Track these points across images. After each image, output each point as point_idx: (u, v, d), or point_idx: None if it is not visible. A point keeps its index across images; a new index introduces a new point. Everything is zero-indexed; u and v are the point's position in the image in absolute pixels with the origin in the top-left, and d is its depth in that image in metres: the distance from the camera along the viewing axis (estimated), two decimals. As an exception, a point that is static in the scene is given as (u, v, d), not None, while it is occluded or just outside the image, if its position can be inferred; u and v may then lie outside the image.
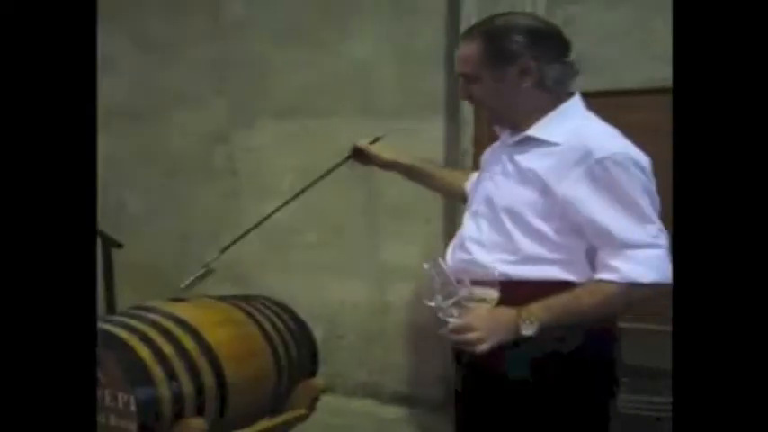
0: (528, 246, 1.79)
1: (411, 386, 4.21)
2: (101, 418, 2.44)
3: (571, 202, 1.75)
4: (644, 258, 1.72)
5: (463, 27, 3.82)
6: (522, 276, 1.79)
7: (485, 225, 1.87)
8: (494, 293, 1.74)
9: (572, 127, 1.82)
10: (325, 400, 2.95)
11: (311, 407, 2.89)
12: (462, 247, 1.89)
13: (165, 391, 2.39)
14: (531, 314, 1.70)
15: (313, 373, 2.97)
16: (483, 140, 3.08)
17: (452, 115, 3.89)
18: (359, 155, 2.37)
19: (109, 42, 5.02)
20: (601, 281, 1.75)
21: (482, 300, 1.73)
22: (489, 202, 1.87)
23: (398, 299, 4.15)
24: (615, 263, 1.73)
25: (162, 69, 4.90)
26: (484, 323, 1.70)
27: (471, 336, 1.69)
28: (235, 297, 2.96)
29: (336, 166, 2.39)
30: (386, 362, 4.34)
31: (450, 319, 1.71)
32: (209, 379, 2.51)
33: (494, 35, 1.83)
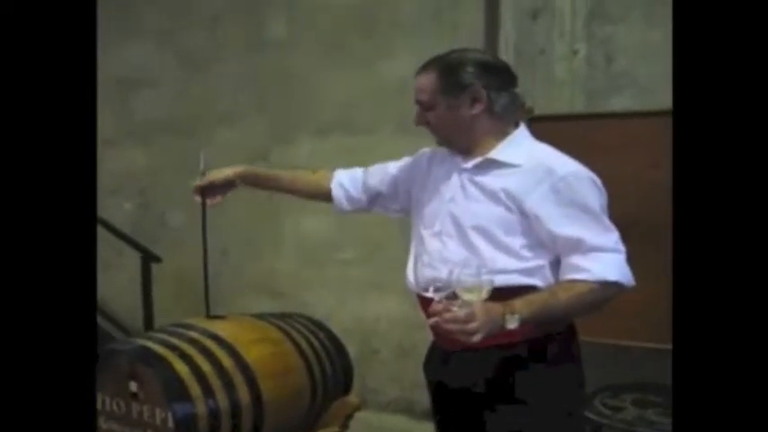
0: (498, 260, 1.93)
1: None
2: (139, 433, 2.49)
3: (538, 216, 1.91)
4: (610, 260, 1.90)
5: (501, 45, 3.83)
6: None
7: (451, 243, 2.01)
8: (488, 285, 1.77)
9: (528, 150, 2.00)
10: (358, 416, 2.96)
11: (345, 424, 2.91)
12: (431, 265, 2.01)
13: (202, 407, 2.43)
14: (513, 309, 1.79)
15: (347, 391, 2.99)
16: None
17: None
18: (206, 192, 2.54)
19: (152, 58, 5.12)
20: (574, 280, 1.90)
21: (475, 290, 1.76)
22: (455, 222, 2.01)
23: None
24: (586, 264, 1.89)
25: (203, 85, 4.97)
26: (482, 315, 1.74)
27: (471, 326, 1.73)
28: (271, 315, 2.99)
29: (204, 215, 2.57)
30: (419, 378, 4.31)
31: (454, 308, 1.74)
32: (245, 396, 2.53)
33: (448, 67, 2.00)
